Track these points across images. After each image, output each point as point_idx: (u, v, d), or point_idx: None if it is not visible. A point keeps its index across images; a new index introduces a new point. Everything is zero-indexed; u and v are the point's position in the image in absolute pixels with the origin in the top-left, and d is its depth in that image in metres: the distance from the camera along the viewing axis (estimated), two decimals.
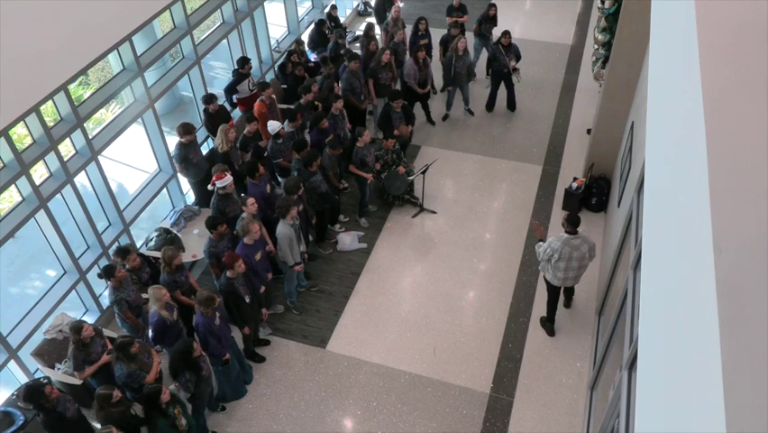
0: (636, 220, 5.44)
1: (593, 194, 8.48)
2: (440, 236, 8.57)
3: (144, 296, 6.44)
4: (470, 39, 10.95)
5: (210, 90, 9.07)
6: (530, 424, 6.41)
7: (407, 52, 10.42)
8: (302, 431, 6.47)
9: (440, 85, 10.64)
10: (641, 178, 5.49)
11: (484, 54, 11.01)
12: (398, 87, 9.96)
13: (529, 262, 8.06)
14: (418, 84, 9.72)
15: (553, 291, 6.87)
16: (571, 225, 6.28)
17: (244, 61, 9.05)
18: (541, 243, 6.61)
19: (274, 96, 9.02)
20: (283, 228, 6.84)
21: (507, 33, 9.77)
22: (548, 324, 7.21)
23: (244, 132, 8.24)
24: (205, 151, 8.67)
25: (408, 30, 10.82)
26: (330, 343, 7.28)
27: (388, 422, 6.50)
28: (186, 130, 7.78)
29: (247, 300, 6.40)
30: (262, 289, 6.82)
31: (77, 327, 5.78)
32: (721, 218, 1.56)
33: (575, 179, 8.67)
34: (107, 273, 6.19)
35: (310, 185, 7.55)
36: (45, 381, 6.04)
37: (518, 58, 9.97)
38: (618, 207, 7.14)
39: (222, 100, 9.04)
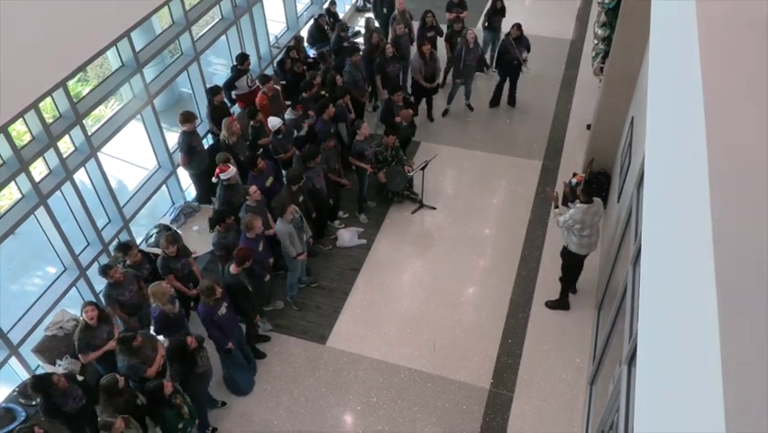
0: (636, 215, 5.45)
1: (593, 189, 8.47)
2: (439, 232, 8.57)
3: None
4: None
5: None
6: (530, 419, 6.43)
7: (413, 46, 10.41)
8: (302, 427, 6.49)
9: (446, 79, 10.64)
10: (641, 173, 5.49)
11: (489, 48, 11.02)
12: (404, 80, 9.96)
13: (528, 258, 8.07)
14: (425, 78, 9.71)
15: (577, 262, 6.96)
16: (588, 195, 6.46)
17: (243, 58, 9.03)
18: (557, 210, 6.73)
19: (278, 87, 9.01)
20: (282, 226, 6.85)
21: (516, 26, 9.77)
22: (563, 298, 7.34)
23: (252, 123, 8.25)
24: (205, 146, 8.67)
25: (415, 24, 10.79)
26: (330, 339, 7.29)
27: (388, 418, 6.51)
28: (186, 118, 7.78)
29: (250, 289, 6.48)
30: (268, 277, 6.94)
31: (84, 306, 5.89)
32: (720, 213, 1.57)
33: (575, 174, 8.66)
34: (104, 272, 6.22)
35: (305, 177, 7.56)
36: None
37: (528, 49, 9.97)
38: (618, 201, 7.14)
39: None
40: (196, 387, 5.98)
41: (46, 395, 5.47)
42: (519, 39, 9.79)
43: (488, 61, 11.03)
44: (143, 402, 5.74)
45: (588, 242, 6.68)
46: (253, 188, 6.99)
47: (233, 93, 9.22)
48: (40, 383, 5.43)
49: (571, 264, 7.05)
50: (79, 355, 6.03)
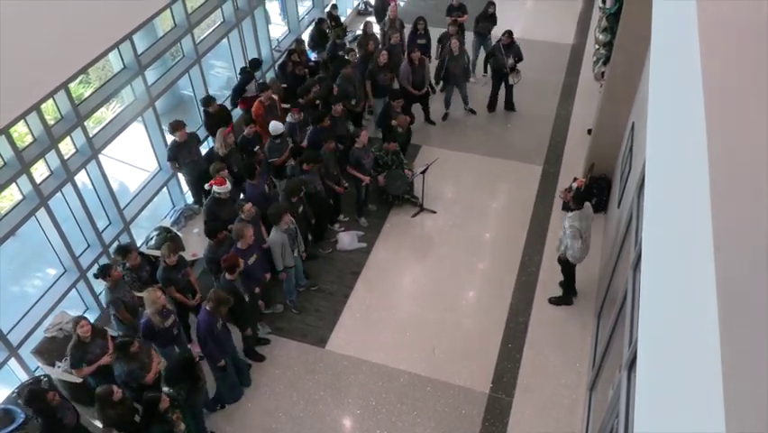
0: (637, 221, 5.45)
1: (593, 194, 8.47)
2: (439, 236, 8.57)
3: (139, 295, 6.43)
4: (471, 38, 10.96)
5: (210, 89, 9.08)
6: (529, 424, 6.41)
7: (405, 53, 10.42)
8: (301, 430, 6.47)
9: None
10: (641, 178, 5.49)
11: (482, 52, 11.02)
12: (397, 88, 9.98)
13: (528, 263, 8.06)
14: (413, 85, 9.70)
15: (572, 269, 7.15)
16: (579, 202, 6.60)
17: (257, 63, 9.13)
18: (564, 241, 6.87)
19: (275, 96, 9.02)
20: (275, 235, 6.81)
21: (507, 33, 9.76)
22: (567, 296, 7.43)
23: (243, 134, 8.24)
24: (204, 150, 8.68)
25: (408, 30, 10.81)
26: (329, 342, 7.28)
27: (387, 421, 6.50)
28: (174, 127, 7.69)
29: (246, 299, 6.41)
30: (257, 289, 6.76)
31: (76, 321, 5.82)
32: (721, 219, 1.57)
33: (575, 179, 8.64)
34: (103, 273, 6.20)
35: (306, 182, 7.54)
36: (45, 378, 6.04)
37: (519, 58, 9.94)
38: (618, 207, 7.14)
39: (220, 100, 9.03)
40: (198, 401, 5.94)
41: (41, 412, 5.38)
42: (509, 46, 9.77)
43: (473, 69, 11.00)
44: (140, 417, 5.62)
45: (584, 246, 6.76)
46: (248, 206, 6.81)
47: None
48: (34, 398, 5.34)
49: (570, 270, 7.14)
50: (73, 371, 5.97)
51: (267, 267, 6.96)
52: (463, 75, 10.05)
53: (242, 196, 7.82)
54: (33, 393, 5.39)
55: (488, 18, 10.68)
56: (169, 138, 7.94)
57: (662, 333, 1.95)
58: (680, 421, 1.57)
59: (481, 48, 11.01)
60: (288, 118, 8.44)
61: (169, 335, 6.20)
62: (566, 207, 7.57)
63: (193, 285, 6.85)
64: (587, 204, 6.72)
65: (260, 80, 9.79)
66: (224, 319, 6.06)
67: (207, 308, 5.86)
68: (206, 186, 7.28)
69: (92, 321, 6.16)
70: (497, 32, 10.43)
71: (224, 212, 7.17)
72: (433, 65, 10.29)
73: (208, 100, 8.39)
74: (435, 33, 10.71)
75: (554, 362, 6.93)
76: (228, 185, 7.17)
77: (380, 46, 10.24)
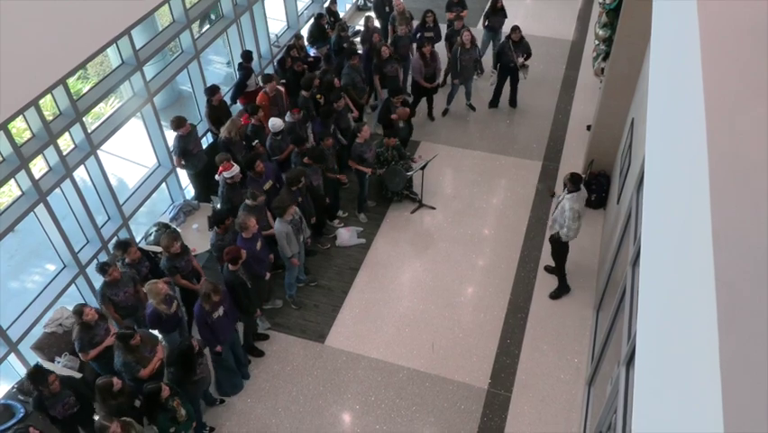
0: (636, 217, 5.45)
1: (593, 190, 8.47)
2: (439, 232, 8.57)
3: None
4: (474, 33, 10.95)
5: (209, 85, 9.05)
6: (528, 419, 6.43)
7: (412, 45, 10.42)
8: (300, 425, 6.49)
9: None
10: (641, 174, 5.50)
11: (489, 48, 11.00)
12: (404, 80, 9.98)
13: (528, 258, 8.07)
14: (425, 78, 9.71)
15: (566, 249, 7.22)
16: (575, 183, 6.65)
17: (249, 55, 9.10)
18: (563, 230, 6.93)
19: (280, 87, 9.02)
20: (280, 226, 6.84)
21: (516, 29, 9.71)
22: (563, 283, 7.48)
23: (252, 121, 8.26)
24: (204, 144, 8.67)
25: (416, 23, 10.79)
26: (328, 338, 7.29)
27: (386, 417, 6.52)
28: (178, 123, 7.74)
29: (249, 285, 6.48)
30: (268, 275, 6.90)
31: (79, 310, 5.88)
32: (721, 215, 1.57)
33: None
34: (102, 270, 6.22)
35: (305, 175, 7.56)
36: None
37: (528, 54, 9.92)
38: (618, 203, 7.15)
39: (223, 91, 9.01)
40: (192, 392, 5.98)
41: (39, 390, 5.48)
42: (519, 42, 9.75)
43: (484, 62, 11.02)
44: (141, 401, 5.73)
45: (577, 226, 6.84)
46: (261, 199, 6.98)
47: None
48: (36, 375, 5.45)
49: (563, 250, 7.20)
50: (80, 354, 6.04)
51: (268, 250, 7.04)
52: (474, 68, 10.05)
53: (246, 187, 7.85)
54: (38, 369, 5.51)
55: (497, 12, 10.68)
56: (169, 135, 7.92)
57: (661, 328, 1.96)
58: (678, 417, 1.57)
59: (490, 43, 11.00)
60: (288, 117, 8.43)
61: (175, 319, 6.36)
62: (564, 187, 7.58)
63: (197, 270, 6.95)
64: (582, 186, 6.79)
65: (258, 74, 9.79)
66: (227, 308, 6.14)
67: (200, 301, 5.99)
68: (217, 176, 7.36)
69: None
70: (506, 26, 10.42)
71: (236, 197, 7.29)
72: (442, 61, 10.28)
73: (213, 90, 8.39)
74: None
75: (553, 357, 6.94)
76: (236, 167, 7.30)
77: (383, 39, 10.25)
